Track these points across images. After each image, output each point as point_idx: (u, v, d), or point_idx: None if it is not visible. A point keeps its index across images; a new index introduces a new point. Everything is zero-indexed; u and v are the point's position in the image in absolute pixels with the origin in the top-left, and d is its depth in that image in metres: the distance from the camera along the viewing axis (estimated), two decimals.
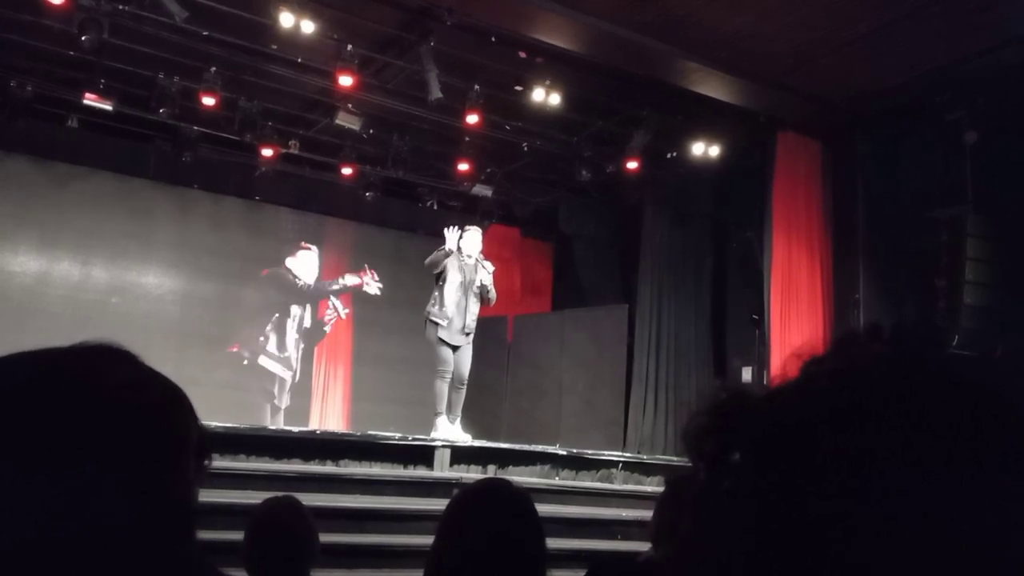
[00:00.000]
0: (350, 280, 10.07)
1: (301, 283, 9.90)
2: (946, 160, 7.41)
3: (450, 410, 7.34)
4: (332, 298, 9.68)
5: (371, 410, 10.11)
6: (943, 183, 7.47)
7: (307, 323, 10.02)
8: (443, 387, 7.28)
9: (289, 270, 9.94)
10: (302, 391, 10.26)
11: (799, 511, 0.43)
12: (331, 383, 10.61)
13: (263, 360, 9.79)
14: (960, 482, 0.42)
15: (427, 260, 7.38)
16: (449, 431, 7.24)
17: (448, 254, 7.29)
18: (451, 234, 7.35)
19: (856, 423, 0.44)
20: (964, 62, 6.93)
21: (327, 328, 10.15)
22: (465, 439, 7.21)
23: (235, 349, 9.88)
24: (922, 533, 0.41)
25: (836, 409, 0.45)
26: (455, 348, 7.33)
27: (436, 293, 7.32)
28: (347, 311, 9.81)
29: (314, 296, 10.08)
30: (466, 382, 7.46)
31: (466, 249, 7.41)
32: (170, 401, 0.78)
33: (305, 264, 9.96)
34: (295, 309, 9.96)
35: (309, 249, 9.99)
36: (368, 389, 10.54)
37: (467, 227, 7.67)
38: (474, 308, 7.37)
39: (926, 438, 0.43)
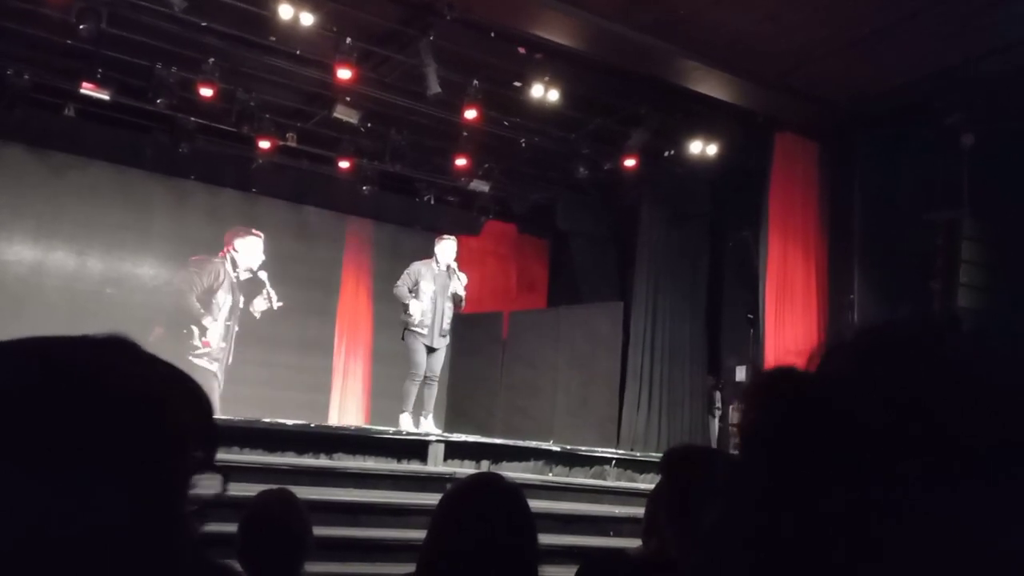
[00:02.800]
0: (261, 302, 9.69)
1: (239, 271, 9.62)
2: (943, 163, 7.42)
3: (423, 406, 7.65)
4: (268, 287, 9.48)
5: (393, 407, 10.10)
6: (940, 186, 7.48)
7: (238, 309, 9.65)
8: (412, 388, 7.61)
9: (234, 252, 9.64)
10: (322, 387, 10.36)
11: (853, 497, 0.42)
12: (351, 378, 10.66)
13: (194, 358, 9.27)
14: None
15: (394, 292, 7.75)
16: (424, 426, 7.52)
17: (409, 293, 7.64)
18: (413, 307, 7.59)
19: (920, 418, 0.43)
20: (963, 65, 6.93)
21: (257, 315, 9.82)
22: (437, 432, 7.41)
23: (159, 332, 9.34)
24: (965, 535, 0.40)
25: (900, 402, 0.44)
26: (432, 350, 7.67)
27: (412, 304, 7.63)
28: (280, 304, 9.57)
29: (247, 285, 9.79)
30: (437, 378, 7.82)
31: (441, 258, 7.72)
32: (183, 396, 0.78)
33: (251, 250, 9.69)
34: (227, 297, 9.55)
35: (258, 236, 9.76)
36: (385, 385, 10.52)
37: (443, 236, 7.96)
38: (448, 313, 7.74)
39: (998, 439, 0.42)
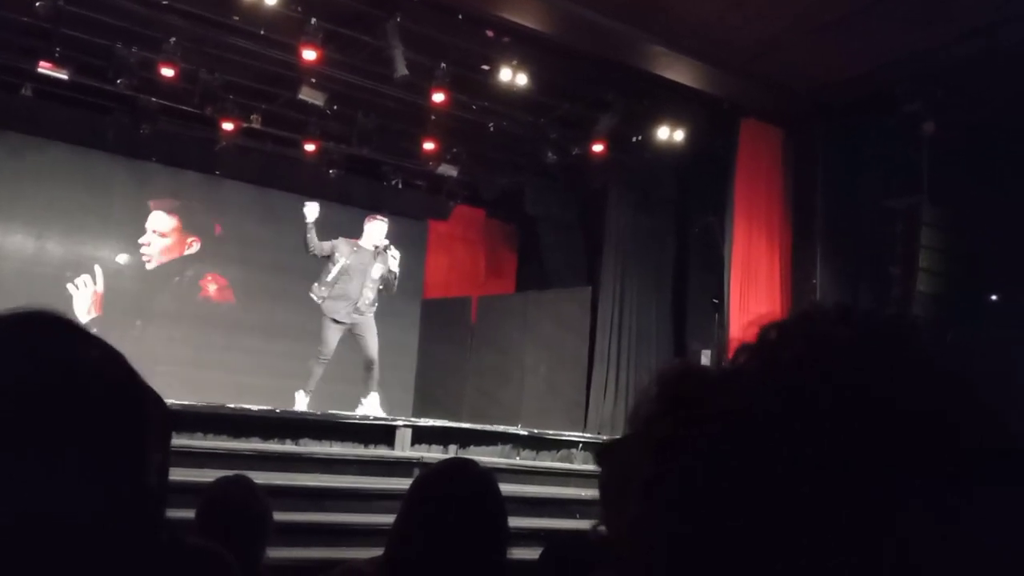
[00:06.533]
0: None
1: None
2: (904, 150, 7.54)
3: (366, 386, 7.56)
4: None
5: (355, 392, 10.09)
6: (901, 173, 7.61)
7: None
8: (316, 369, 7.51)
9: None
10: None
11: (758, 505, 0.41)
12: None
13: None
14: (933, 484, 0.39)
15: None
16: (365, 407, 7.46)
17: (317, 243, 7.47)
18: (308, 209, 7.47)
19: (827, 417, 0.41)
20: (924, 53, 7.04)
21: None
22: (381, 413, 7.42)
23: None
24: (899, 532, 0.39)
25: (804, 401, 0.42)
26: (343, 325, 7.49)
27: (321, 273, 7.52)
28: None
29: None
30: (375, 363, 7.60)
31: (367, 239, 7.58)
32: (129, 375, 0.77)
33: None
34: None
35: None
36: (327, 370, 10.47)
37: (375, 217, 7.82)
38: (368, 293, 7.53)
39: (900, 435, 0.40)
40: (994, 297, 7.31)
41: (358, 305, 7.49)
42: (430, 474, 1.86)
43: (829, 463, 0.40)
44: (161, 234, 9.96)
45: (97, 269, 9.52)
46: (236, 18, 7.36)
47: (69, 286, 9.32)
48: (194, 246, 10.15)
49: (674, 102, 8.47)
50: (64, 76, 8.05)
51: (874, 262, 7.74)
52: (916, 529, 0.39)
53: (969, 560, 0.39)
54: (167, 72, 7.88)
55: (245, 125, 9.19)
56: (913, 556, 0.39)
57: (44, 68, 7.95)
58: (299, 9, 7.16)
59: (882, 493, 0.39)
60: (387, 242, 7.62)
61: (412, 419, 7.43)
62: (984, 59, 6.66)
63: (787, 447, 0.41)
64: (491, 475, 1.85)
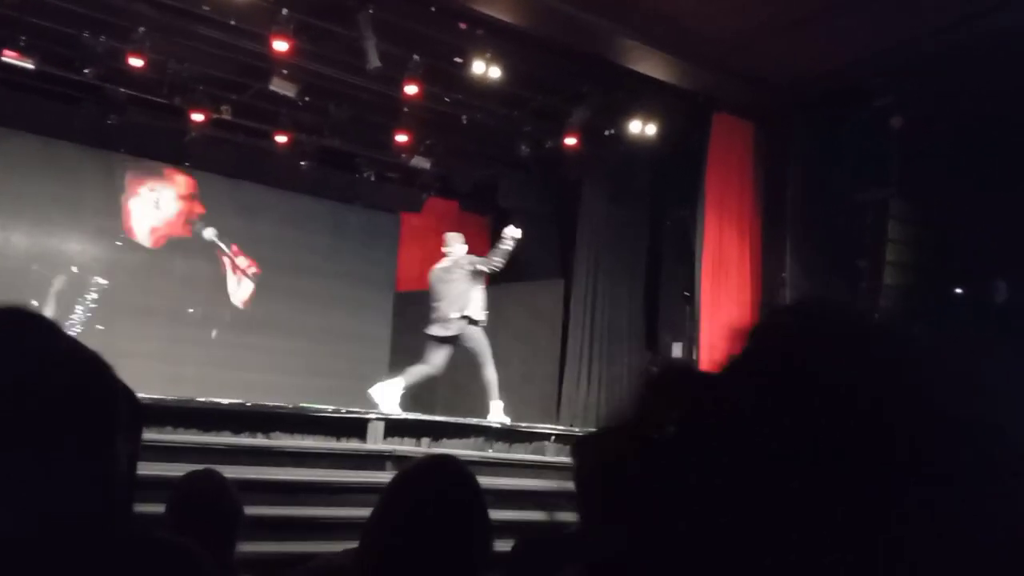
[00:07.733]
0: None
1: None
2: (875, 144, 7.63)
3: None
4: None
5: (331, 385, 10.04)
6: (871, 167, 7.70)
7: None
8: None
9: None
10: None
11: (750, 501, 0.42)
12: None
13: None
14: (928, 483, 0.40)
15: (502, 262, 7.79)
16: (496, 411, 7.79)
17: None
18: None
19: (819, 415, 0.42)
20: (897, 48, 7.11)
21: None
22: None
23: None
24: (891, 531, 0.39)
25: (795, 400, 0.43)
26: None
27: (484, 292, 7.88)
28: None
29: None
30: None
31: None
32: (99, 369, 0.77)
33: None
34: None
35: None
36: (300, 363, 10.43)
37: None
38: None
39: (894, 434, 0.41)
40: (959, 290, 7.44)
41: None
42: (411, 471, 1.85)
43: (822, 461, 0.41)
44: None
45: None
46: (206, 7, 7.26)
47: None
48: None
49: (647, 95, 8.49)
50: (30, 65, 7.91)
51: (844, 255, 7.84)
52: (911, 527, 0.40)
53: (964, 558, 0.40)
54: (136, 62, 7.76)
55: (215, 116, 9.09)
56: (908, 554, 0.40)
57: (9, 57, 7.80)
58: None
59: (877, 491, 0.40)
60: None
61: (385, 412, 7.41)
62: (955, 54, 6.75)
63: (778, 444, 0.42)
64: (471, 472, 1.85)
